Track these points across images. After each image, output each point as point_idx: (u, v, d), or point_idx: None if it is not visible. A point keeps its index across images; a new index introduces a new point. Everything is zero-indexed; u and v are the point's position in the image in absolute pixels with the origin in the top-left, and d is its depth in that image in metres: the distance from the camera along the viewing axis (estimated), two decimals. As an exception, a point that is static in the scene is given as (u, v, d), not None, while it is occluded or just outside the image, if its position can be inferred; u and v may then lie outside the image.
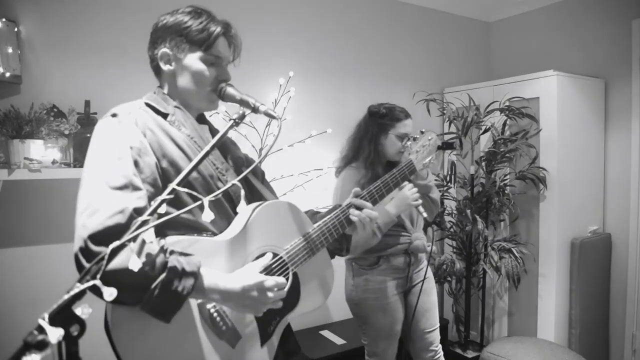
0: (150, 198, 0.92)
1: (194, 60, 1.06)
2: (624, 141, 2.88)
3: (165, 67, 1.09)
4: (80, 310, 0.61)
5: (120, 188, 0.88)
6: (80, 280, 0.64)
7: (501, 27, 3.62)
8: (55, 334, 0.56)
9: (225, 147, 1.19)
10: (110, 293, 0.64)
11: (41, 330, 0.56)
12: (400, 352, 2.12)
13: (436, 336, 2.05)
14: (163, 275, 0.83)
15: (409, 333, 2.05)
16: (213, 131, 1.19)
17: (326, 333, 2.70)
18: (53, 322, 0.58)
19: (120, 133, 0.95)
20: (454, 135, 2.88)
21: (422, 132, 1.44)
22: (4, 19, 1.91)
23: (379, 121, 2.00)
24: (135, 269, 0.73)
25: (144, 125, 0.99)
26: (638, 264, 2.80)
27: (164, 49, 1.07)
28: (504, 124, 2.85)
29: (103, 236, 0.81)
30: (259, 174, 1.29)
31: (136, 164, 0.93)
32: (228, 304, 0.95)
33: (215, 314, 0.97)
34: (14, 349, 0.54)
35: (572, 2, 3.11)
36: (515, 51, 3.49)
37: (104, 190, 0.87)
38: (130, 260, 0.72)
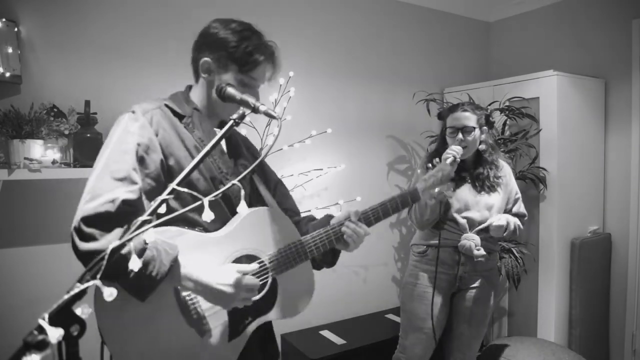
0: (152, 191, 1.01)
1: (231, 78, 1.11)
2: (624, 141, 2.88)
3: (204, 75, 1.14)
4: (80, 310, 0.61)
5: (120, 179, 0.96)
6: (80, 280, 0.64)
7: (501, 27, 3.62)
8: (55, 334, 0.56)
9: (237, 152, 1.23)
10: (110, 293, 0.65)
11: (41, 330, 0.56)
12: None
13: (474, 344, 2.01)
14: (139, 261, 0.89)
15: (447, 330, 2.04)
16: (231, 137, 1.24)
17: (326, 333, 2.70)
18: (53, 322, 0.58)
19: (132, 129, 1.03)
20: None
21: (438, 161, 1.39)
22: (4, 19, 1.91)
23: (442, 122, 2.01)
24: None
25: (158, 124, 1.06)
26: (638, 264, 2.80)
27: (206, 58, 1.12)
28: (504, 124, 2.85)
29: (94, 220, 0.91)
30: (269, 182, 1.32)
31: (142, 159, 1.01)
32: (200, 293, 1.01)
33: (189, 302, 1.03)
34: (14, 349, 0.54)
35: (572, 2, 3.11)
36: (515, 51, 3.49)
37: (105, 180, 0.96)
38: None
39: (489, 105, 2.88)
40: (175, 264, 0.95)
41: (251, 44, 1.09)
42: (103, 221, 0.91)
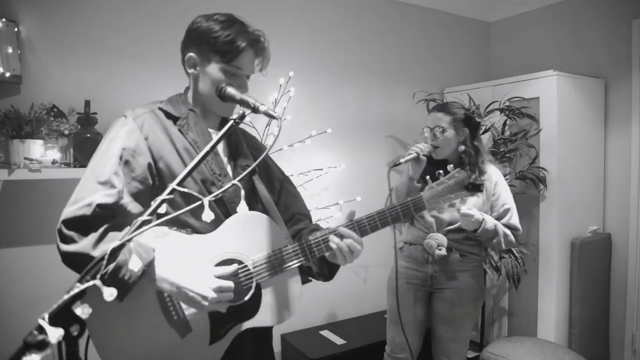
0: (139, 194, 1.02)
1: (215, 69, 1.09)
2: (624, 141, 2.88)
3: (190, 70, 1.14)
4: (80, 310, 0.61)
5: (102, 183, 0.98)
6: (80, 280, 0.64)
7: (501, 27, 3.62)
8: (55, 334, 0.56)
9: (237, 152, 1.21)
10: (110, 293, 0.65)
11: (41, 330, 0.56)
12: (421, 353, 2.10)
13: (456, 348, 1.99)
14: (112, 265, 0.90)
15: (432, 333, 2.06)
16: (231, 136, 1.22)
17: (326, 333, 2.70)
18: (53, 322, 0.58)
19: (120, 134, 1.04)
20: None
21: (452, 168, 1.25)
22: (4, 19, 1.91)
23: None
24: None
25: (149, 128, 1.07)
26: (638, 264, 2.80)
27: (191, 54, 1.12)
28: (504, 124, 2.86)
29: (72, 223, 0.94)
30: (273, 182, 1.29)
31: (128, 163, 1.01)
32: (176, 295, 1.01)
33: (169, 303, 1.03)
34: (14, 349, 0.54)
35: (572, 2, 3.11)
36: (515, 51, 3.49)
37: (89, 183, 0.98)
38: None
39: (489, 105, 2.88)
40: (149, 267, 0.95)
41: (232, 32, 1.07)
42: (80, 224, 0.93)
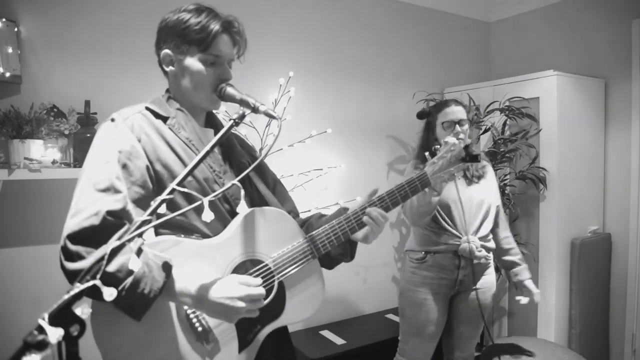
0: (140, 199, 0.96)
1: (193, 61, 1.05)
2: (624, 141, 2.88)
3: (167, 69, 1.09)
4: (80, 310, 0.61)
5: (103, 190, 0.91)
6: (80, 280, 0.64)
7: (501, 27, 3.62)
8: (55, 334, 0.56)
9: (230, 149, 1.18)
10: (110, 293, 0.65)
11: (41, 330, 0.56)
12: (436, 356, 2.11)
13: (471, 343, 2.06)
14: (130, 279, 0.85)
15: (447, 330, 2.07)
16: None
17: (326, 333, 2.70)
18: (53, 322, 0.58)
19: (112, 137, 0.99)
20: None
21: (445, 142, 1.26)
22: (4, 19, 1.91)
23: (427, 120, 2.02)
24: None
25: (140, 129, 1.02)
26: (638, 264, 2.80)
27: (165, 50, 1.07)
28: (504, 124, 2.85)
29: (79, 236, 0.86)
30: (267, 178, 1.27)
31: (126, 166, 0.96)
32: (200, 308, 0.96)
33: (191, 315, 0.99)
34: (14, 349, 0.54)
35: (572, 2, 3.11)
36: (515, 51, 3.49)
37: (88, 192, 0.91)
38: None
39: (489, 105, 2.88)
40: (169, 279, 0.90)
41: (203, 19, 1.03)
42: (88, 236, 0.86)
